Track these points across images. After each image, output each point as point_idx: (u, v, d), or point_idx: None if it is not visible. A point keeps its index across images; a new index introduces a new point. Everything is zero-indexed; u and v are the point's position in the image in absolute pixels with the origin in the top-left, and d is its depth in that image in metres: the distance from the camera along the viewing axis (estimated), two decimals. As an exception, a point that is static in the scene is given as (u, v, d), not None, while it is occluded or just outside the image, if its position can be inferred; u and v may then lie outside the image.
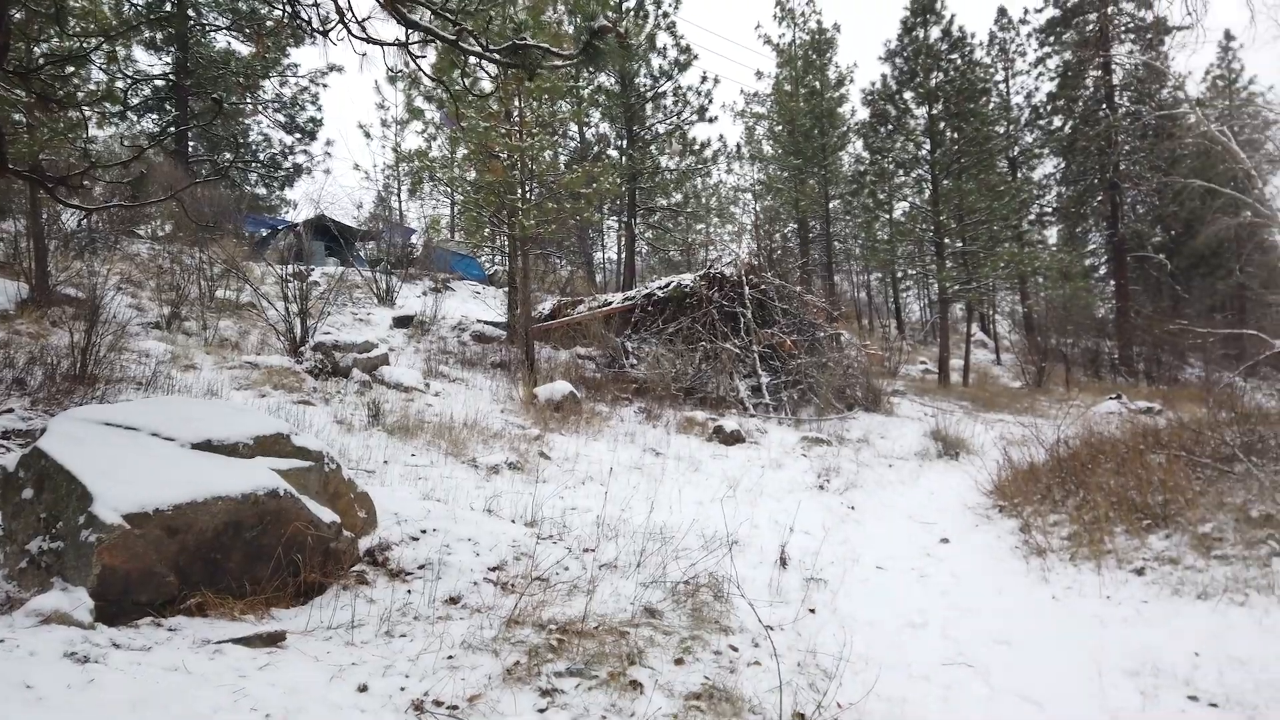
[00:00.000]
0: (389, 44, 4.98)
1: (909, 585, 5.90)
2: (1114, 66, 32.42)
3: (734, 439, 10.97)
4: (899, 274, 32.51)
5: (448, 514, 5.39)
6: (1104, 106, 32.43)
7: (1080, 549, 6.50)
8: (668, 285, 14.99)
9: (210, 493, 3.79)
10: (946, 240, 21.88)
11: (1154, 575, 5.77)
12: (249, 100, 26.15)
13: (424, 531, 5.00)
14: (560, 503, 6.68)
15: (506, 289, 17.20)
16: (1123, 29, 31.99)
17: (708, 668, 3.78)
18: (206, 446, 4.27)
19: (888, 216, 23.44)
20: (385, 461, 7.14)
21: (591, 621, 4.03)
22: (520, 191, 12.00)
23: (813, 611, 4.91)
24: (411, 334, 14.29)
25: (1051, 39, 33.72)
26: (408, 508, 5.31)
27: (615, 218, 25.71)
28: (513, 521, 5.87)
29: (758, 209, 30.82)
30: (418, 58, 5.11)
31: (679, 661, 3.78)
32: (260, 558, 3.95)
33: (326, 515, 4.27)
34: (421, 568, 4.53)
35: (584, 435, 9.89)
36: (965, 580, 6.06)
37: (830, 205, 28.39)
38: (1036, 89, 34.68)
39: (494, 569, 4.71)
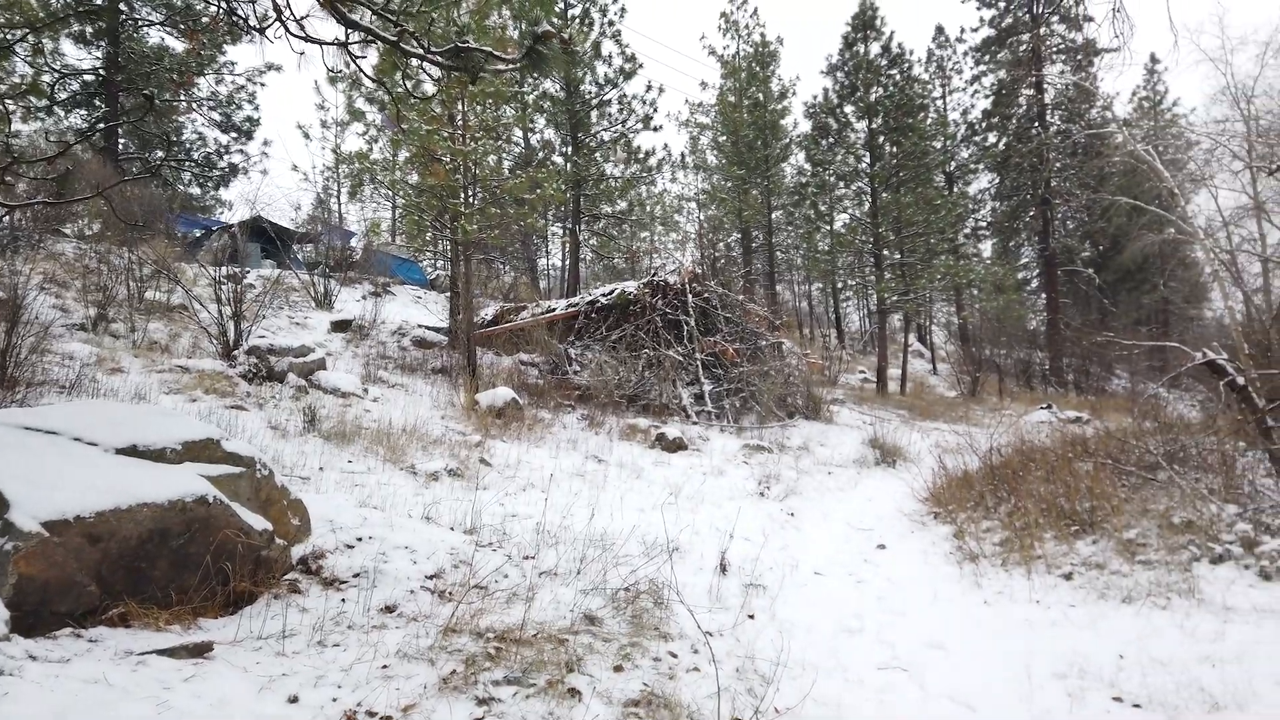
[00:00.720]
0: (328, 44, 4.89)
1: (846, 591, 5.98)
2: (1046, 86, 33.46)
3: (676, 446, 11.00)
4: (839, 284, 33.01)
5: (384, 521, 5.29)
6: (1036, 124, 33.45)
7: (1011, 554, 6.66)
8: (611, 292, 14.99)
9: (135, 499, 3.66)
10: (885, 252, 22.32)
11: (1081, 580, 5.93)
12: (182, 98, 25.48)
13: (360, 539, 4.90)
14: (501, 510, 6.62)
15: (449, 294, 17.01)
16: (1054, 50, 33.03)
17: (647, 674, 3.77)
18: (132, 452, 4.12)
19: (829, 228, 23.80)
20: (321, 468, 6.99)
21: (530, 629, 3.99)
22: (463, 195, 11.87)
23: (752, 617, 4.94)
24: (350, 338, 14.03)
25: (987, 58, 34.68)
26: (343, 515, 5.20)
27: (560, 224, 25.63)
28: (452, 529, 5.79)
29: (702, 218, 31.04)
30: (358, 58, 5.03)
31: (618, 668, 3.77)
32: (188, 566, 3.83)
33: (258, 522, 4.16)
34: (357, 576, 4.44)
35: (526, 442, 9.82)
36: (901, 585, 6.16)
37: (773, 216, 28.72)
38: (972, 106, 35.67)
39: (431, 577, 4.64)
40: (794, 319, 35.34)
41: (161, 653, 3.20)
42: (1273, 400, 8.57)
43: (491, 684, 3.35)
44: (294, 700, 3.07)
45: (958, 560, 6.74)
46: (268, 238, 21.21)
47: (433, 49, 4.52)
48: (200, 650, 3.31)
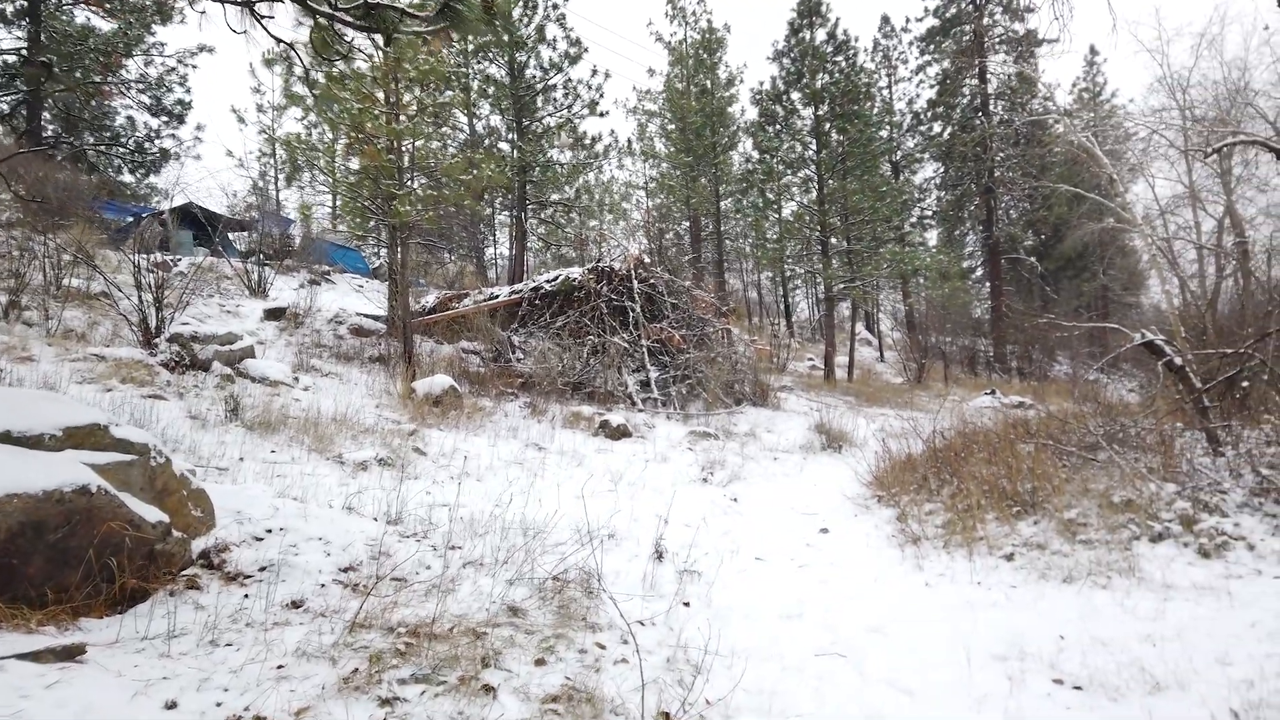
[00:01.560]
0: (231, 1, 4.57)
1: (787, 576, 5.82)
2: (989, 76, 33.91)
3: (620, 433, 10.79)
4: (788, 273, 33.12)
5: (299, 512, 4.98)
6: (979, 114, 33.88)
7: (954, 536, 6.57)
8: (556, 279, 14.71)
9: (3, 489, 3.33)
10: (832, 239, 22.33)
11: (1023, 560, 5.86)
12: (110, 79, 24.50)
13: (270, 531, 4.59)
14: (430, 499, 6.33)
15: (390, 281, 16.57)
16: (997, 39, 33.44)
17: (570, 667, 3.55)
18: (5, 439, 3.77)
19: (777, 216, 23.74)
20: (241, 458, 6.63)
21: (447, 622, 3.74)
22: (398, 177, 11.47)
23: (687, 605, 4.74)
24: (284, 327, 13.54)
25: (931, 47, 34.99)
26: (254, 506, 4.88)
27: (507, 212, 25.21)
28: (375, 519, 5.50)
29: (650, 205, 30.82)
30: (264, 18, 4.70)
31: (540, 662, 3.54)
32: (68, 563, 3.50)
33: (151, 514, 3.84)
34: (263, 570, 4.14)
35: (464, 430, 9.53)
36: (843, 569, 6.03)
37: (721, 205, 28.62)
38: (918, 95, 36.00)
39: (346, 569, 4.36)
40: (743, 307, 35.38)
41: (24, 657, 2.89)
42: (1208, 381, 8.65)
43: (397, 682, 3.10)
44: (172, 706, 2.78)
45: (900, 543, 6.63)
46: (201, 225, 20.50)
47: (341, 5, 4.22)
48: (71, 653, 3.00)
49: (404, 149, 11.73)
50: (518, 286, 15.50)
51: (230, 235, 23.58)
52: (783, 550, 6.57)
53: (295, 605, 3.83)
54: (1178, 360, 8.94)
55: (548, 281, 14.72)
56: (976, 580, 5.48)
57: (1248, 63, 18.35)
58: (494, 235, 32.79)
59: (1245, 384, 8.78)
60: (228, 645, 3.31)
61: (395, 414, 9.67)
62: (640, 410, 12.91)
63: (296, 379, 10.18)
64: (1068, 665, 3.95)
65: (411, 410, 9.88)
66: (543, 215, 23.41)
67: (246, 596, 3.87)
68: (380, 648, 3.37)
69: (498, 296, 15.12)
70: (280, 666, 3.15)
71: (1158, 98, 19.47)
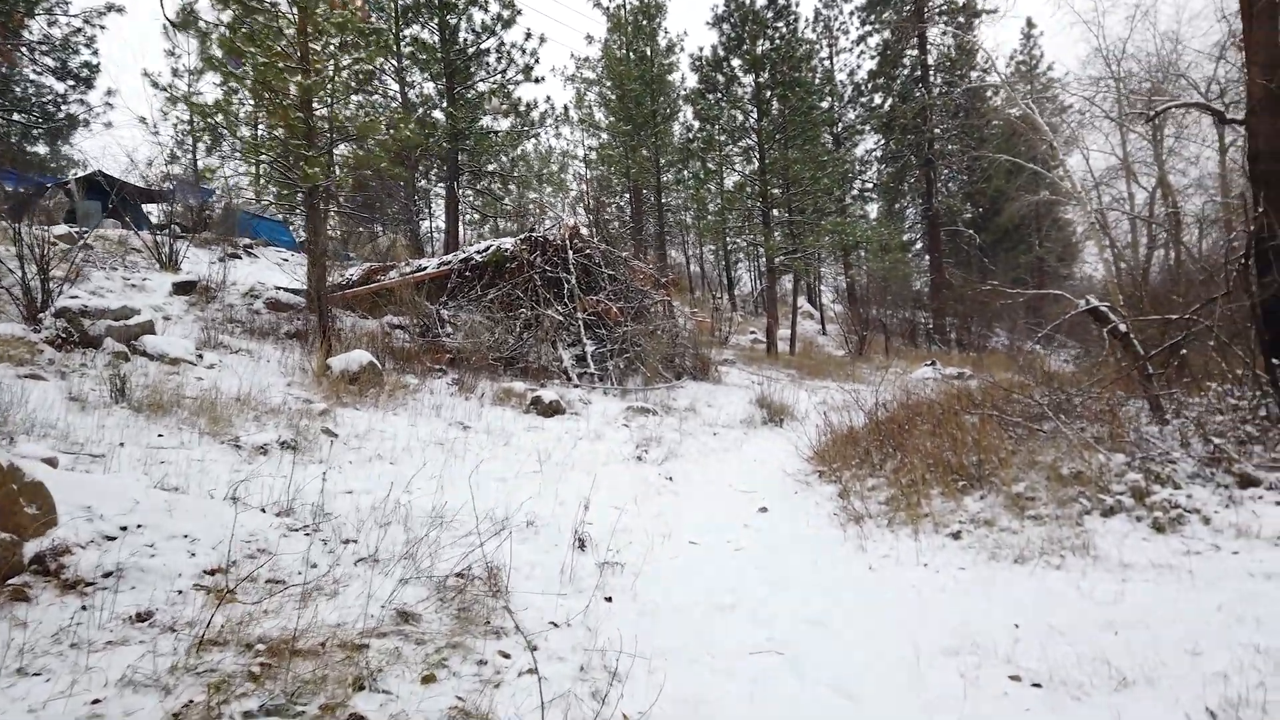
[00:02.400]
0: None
1: (722, 561, 5.39)
2: (929, 46, 33.84)
3: (553, 410, 10.27)
4: (730, 245, 32.77)
5: (167, 505, 4.35)
6: (919, 85, 33.79)
7: (898, 513, 6.23)
8: (486, 249, 14.04)
9: None
10: (774, 211, 21.97)
11: (970, 539, 5.52)
12: (11, 41, 22.88)
13: (125, 529, 3.97)
14: (332, 485, 5.74)
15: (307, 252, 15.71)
16: (938, 9, 33.33)
17: (465, 684, 3.04)
18: None
19: (719, 187, 23.29)
20: (121, 444, 5.95)
21: (320, 634, 3.20)
22: (308, 138, 10.67)
23: (609, 600, 4.27)
24: (194, 301, 12.66)
25: (872, 17, 34.74)
26: (111, 500, 4.25)
27: (441, 184, 24.26)
28: (263, 510, 4.90)
29: (589, 176, 30.09)
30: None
31: (428, 679, 3.03)
32: None
33: (-36, 514, 3.22)
34: (109, 575, 3.53)
35: (383, 409, 8.90)
36: (781, 552, 5.62)
37: (663, 177, 28.02)
38: (859, 67, 35.79)
39: (212, 572, 3.77)
40: (685, 281, 34.99)
41: None
42: (1150, 348, 8.44)
43: (241, 716, 2.56)
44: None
45: (842, 522, 6.26)
46: (112, 195, 19.26)
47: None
48: None
49: (314, 107, 10.92)
50: (446, 258, 14.78)
51: (147, 207, 22.32)
52: (719, 532, 6.15)
53: (141, 618, 3.25)
54: (1122, 327, 8.73)
55: (478, 252, 14.04)
56: (923, 562, 5.12)
57: (1179, 35, 18.32)
58: (430, 208, 31.74)
59: (1183, 351, 8.59)
60: (37, 675, 2.72)
61: (308, 393, 9.00)
62: (576, 386, 12.39)
63: (200, 356, 9.43)
64: (1025, 659, 3.57)
65: (326, 389, 9.21)
66: (478, 186, 22.60)
67: (84, 609, 3.27)
68: (229, 670, 2.82)
69: (425, 269, 14.39)
70: (96, 701, 2.58)
71: (1094, 68, 19.39)
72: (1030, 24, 39.79)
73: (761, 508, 6.96)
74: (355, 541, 4.46)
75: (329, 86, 10.81)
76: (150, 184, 22.16)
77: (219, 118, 10.45)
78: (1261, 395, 6.91)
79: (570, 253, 13.75)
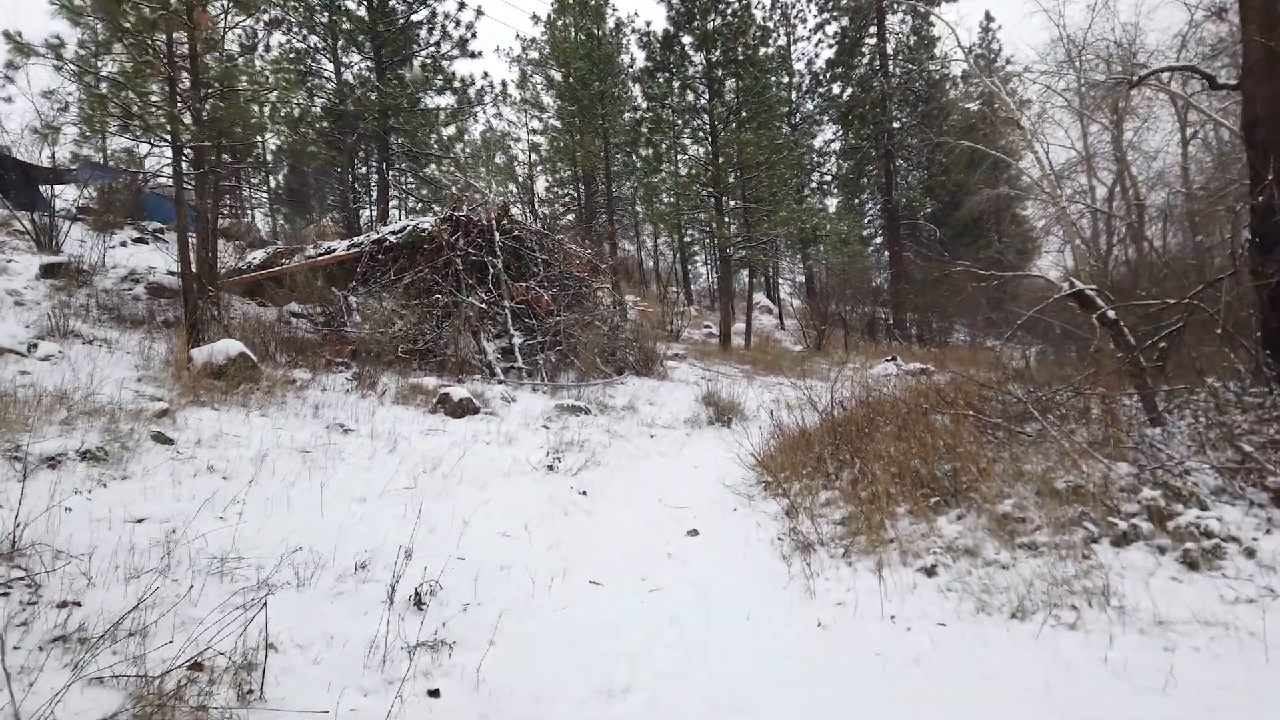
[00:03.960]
0: None
1: (627, 612, 4.08)
2: (888, 35, 32.91)
3: (462, 410, 8.90)
4: (686, 238, 31.51)
5: None
6: (879, 74, 32.83)
7: (856, 539, 4.98)
8: (402, 230, 12.58)
9: None
10: (728, 200, 20.74)
11: (949, 576, 4.29)
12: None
13: None
14: (121, 511, 4.34)
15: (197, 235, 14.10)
16: (896, -3, 32.41)
17: None
18: None
19: (670, 170, 21.98)
20: None
21: None
22: (170, 87, 9.11)
23: (435, 694, 2.93)
24: (63, 285, 11.07)
25: (830, 4, 33.69)
26: None
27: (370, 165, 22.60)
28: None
29: (528, 158, 28.52)
30: None
31: None
32: None
33: None
34: None
35: (251, 409, 7.47)
36: (707, 596, 4.34)
37: (613, 167, 26.59)
38: (816, 56, 34.67)
39: None
40: (637, 273, 33.72)
41: None
42: (1137, 339, 7.33)
43: None
44: None
45: (787, 550, 5.00)
46: (11, 175, 17.40)
47: None
48: None
49: (178, 56, 9.36)
50: (358, 239, 13.29)
51: (56, 189, 20.42)
52: (632, 566, 4.85)
53: None
54: (1111, 314, 7.60)
55: (392, 233, 12.57)
56: (890, 613, 3.86)
57: (1139, 27, 17.36)
58: (369, 195, 30.07)
59: (1177, 342, 7.52)
60: None
61: (160, 389, 7.54)
62: (501, 382, 11.03)
63: (33, 347, 7.90)
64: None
65: (186, 385, 7.75)
66: (413, 168, 21.04)
67: None
68: None
69: (335, 250, 12.91)
70: None
71: (1054, 58, 18.36)
72: (989, 17, 39.12)
73: (691, 530, 5.67)
74: (76, 605, 3.08)
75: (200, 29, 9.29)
76: (56, 163, 20.31)
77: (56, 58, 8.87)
78: (1270, 391, 5.81)
79: (497, 234, 12.36)
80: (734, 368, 17.13)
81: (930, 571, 4.41)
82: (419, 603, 3.48)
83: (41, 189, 19.75)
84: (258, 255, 13.80)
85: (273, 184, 31.56)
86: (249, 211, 31.44)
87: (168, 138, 9.23)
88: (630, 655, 3.45)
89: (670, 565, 4.94)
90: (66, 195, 19.54)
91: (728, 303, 21.29)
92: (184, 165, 9.66)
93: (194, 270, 10.91)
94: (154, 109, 8.88)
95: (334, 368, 10.14)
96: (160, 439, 6.01)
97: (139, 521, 4.30)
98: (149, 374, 8.00)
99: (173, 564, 3.55)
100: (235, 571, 3.48)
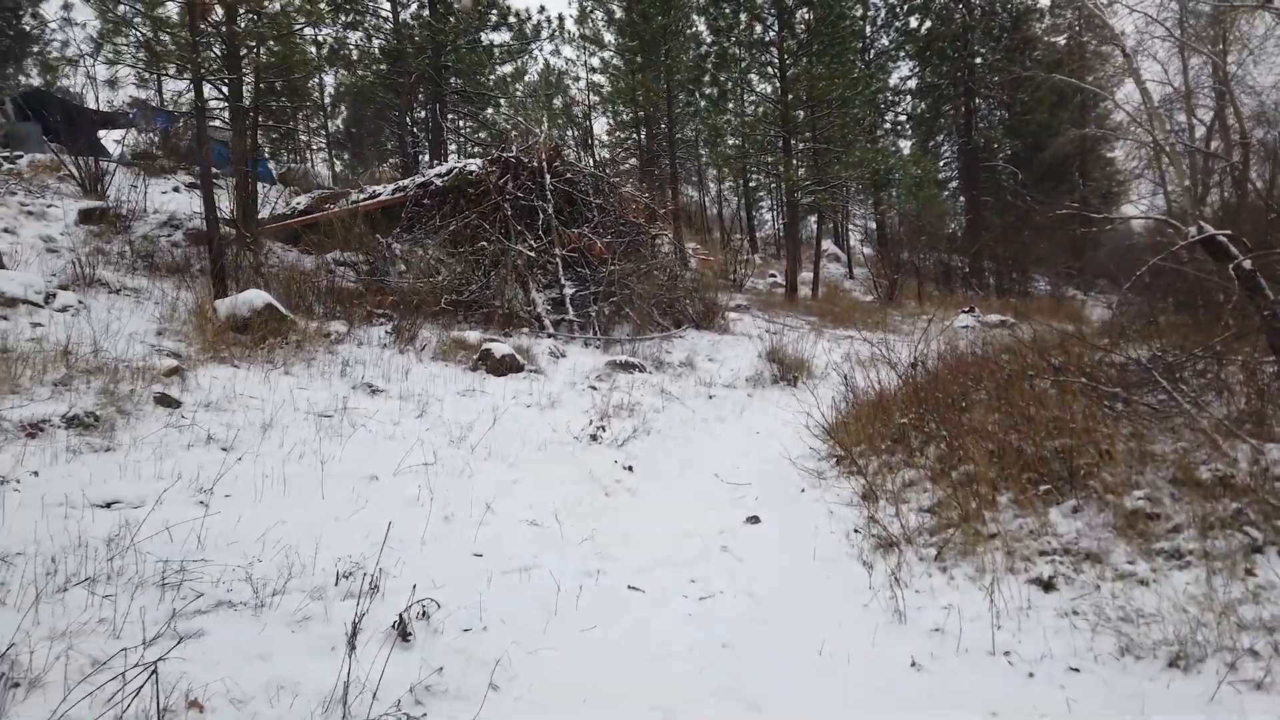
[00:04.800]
0: None
1: (669, 634, 3.32)
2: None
3: (506, 367, 8.23)
4: (751, 182, 30.22)
5: None
6: (960, 5, 30.73)
7: (949, 532, 4.16)
8: (449, 173, 11.86)
9: None
10: (795, 139, 19.49)
11: (1073, 592, 3.45)
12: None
13: None
14: (93, 492, 3.76)
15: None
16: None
17: None
18: None
19: (737, 111, 20.75)
20: None
21: None
22: (192, 14, 8.44)
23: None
24: (99, 232, 10.68)
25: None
26: None
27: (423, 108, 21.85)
28: None
29: (588, 97, 27.37)
30: None
31: None
32: None
33: None
34: None
35: (276, 366, 6.90)
36: (768, 612, 3.57)
37: (675, 109, 25.29)
38: (892, -15, 32.61)
39: None
40: (700, 220, 32.62)
41: None
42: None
43: None
44: None
45: (867, 551, 4.20)
46: (57, 117, 17.20)
47: None
48: None
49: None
50: (403, 183, 12.63)
51: (111, 134, 20.25)
52: (678, 565, 4.10)
53: None
54: (1247, 264, 6.49)
55: (438, 176, 11.86)
56: (1002, 647, 3.05)
57: None
58: (427, 138, 29.48)
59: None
60: None
61: (178, 344, 7.01)
62: (550, 335, 10.34)
63: (52, 296, 7.43)
64: None
65: (209, 339, 7.21)
66: (467, 111, 20.26)
67: None
68: None
69: (379, 195, 12.28)
70: None
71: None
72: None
73: (751, 516, 4.90)
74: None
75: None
76: (114, 107, 20.11)
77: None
78: None
79: (548, 177, 11.55)
80: (800, 319, 16.14)
81: (1048, 585, 3.57)
82: (404, 633, 2.77)
83: (97, 133, 19.57)
84: (302, 200, 13.26)
85: (331, 128, 31.08)
86: (309, 156, 31.13)
87: (185, 68, 8.62)
88: (668, 709, 2.70)
89: (726, 562, 4.18)
90: (119, 139, 19.36)
91: (794, 250, 20.20)
92: (208, 100, 9.01)
93: (227, 215, 10.42)
94: (172, 34, 8.23)
95: (375, 320, 9.55)
96: (164, 401, 5.44)
97: (107, 506, 3.71)
98: (171, 327, 7.48)
99: (115, 570, 2.91)
100: (184, 584, 2.82)
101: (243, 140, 11.19)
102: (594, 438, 6.12)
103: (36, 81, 25.37)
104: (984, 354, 7.71)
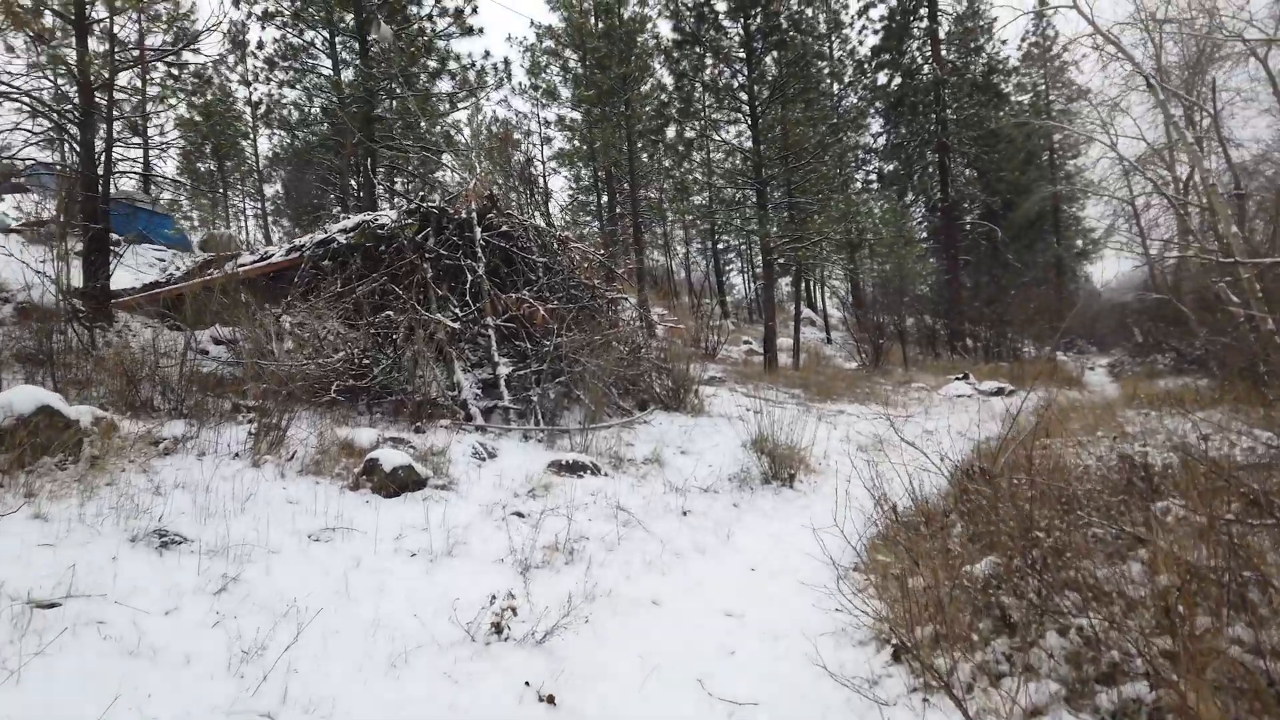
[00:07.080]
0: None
1: None
2: (940, 15, 29.63)
3: (399, 485, 5.90)
4: (720, 244, 28.44)
5: None
6: (930, 61, 29.58)
7: None
8: (355, 228, 9.65)
9: None
10: (770, 190, 17.61)
11: None
12: None
13: None
14: None
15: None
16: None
17: None
18: None
19: (701, 160, 18.90)
20: None
21: None
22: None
23: None
24: (-102, 309, 8.32)
25: (877, -16, 30.51)
26: None
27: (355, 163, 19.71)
28: None
29: (541, 151, 25.59)
30: None
31: None
32: None
33: None
34: None
35: (37, 500, 4.53)
36: None
37: (637, 167, 23.44)
38: (861, 42, 31.49)
39: None
40: (666, 281, 30.71)
41: None
42: None
43: None
44: None
45: None
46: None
47: None
48: None
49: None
50: (298, 241, 10.41)
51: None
52: None
53: None
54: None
55: (341, 231, 9.64)
56: None
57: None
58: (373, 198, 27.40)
59: None
60: None
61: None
62: (480, 428, 8.05)
63: None
64: None
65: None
66: (398, 162, 18.13)
67: None
68: None
69: (271, 256, 10.03)
70: None
71: (1128, 36, 14.72)
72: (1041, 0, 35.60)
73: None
74: None
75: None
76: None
77: None
78: None
79: (479, 230, 9.37)
80: (784, 392, 13.95)
81: None
82: None
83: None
84: (183, 266, 10.95)
85: (269, 191, 28.90)
86: (241, 220, 28.91)
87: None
88: None
89: None
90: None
91: (771, 314, 18.11)
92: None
93: (64, 285, 8.20)
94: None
95: (240, 417, 7.21)
96: None
97: None
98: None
99: None
100: None
101: (83, 175, 8.94)
102: (496, 629, 3.71)
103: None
104: (1089, 463, 5.50)
